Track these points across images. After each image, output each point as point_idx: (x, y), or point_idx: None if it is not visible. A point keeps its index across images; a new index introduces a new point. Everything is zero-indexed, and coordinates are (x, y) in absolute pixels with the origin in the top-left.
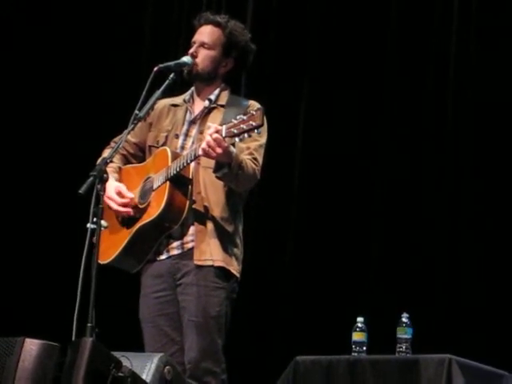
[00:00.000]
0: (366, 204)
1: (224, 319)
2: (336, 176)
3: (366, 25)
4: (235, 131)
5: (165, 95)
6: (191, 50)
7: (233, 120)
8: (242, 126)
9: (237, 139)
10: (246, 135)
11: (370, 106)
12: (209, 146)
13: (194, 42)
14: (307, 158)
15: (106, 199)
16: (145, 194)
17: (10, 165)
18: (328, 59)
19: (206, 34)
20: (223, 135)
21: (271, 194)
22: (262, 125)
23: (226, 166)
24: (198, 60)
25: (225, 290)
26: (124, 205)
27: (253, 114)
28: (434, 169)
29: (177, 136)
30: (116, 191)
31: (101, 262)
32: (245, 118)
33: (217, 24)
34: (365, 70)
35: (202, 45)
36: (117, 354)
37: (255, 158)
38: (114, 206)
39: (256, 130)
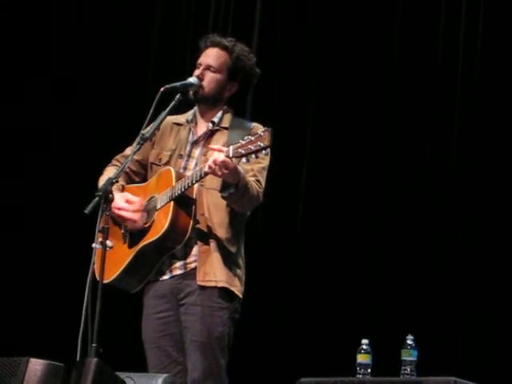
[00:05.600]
0: (369, 224)
1: (227, 339)
2: (340, 200)
3: (370, 43)
4: (242, 152)
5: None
6: (197, 73)
7: (240, 141)
8: (249, 146)
9: (244, 160)
10: (253, 156)
11: (376, 124)
12: (215, 164)
13: (200, 64)
14: (312, 180)
15: (116, 211)
16: (148, 213)
17: (15, 185)
18: (333, 79)
19: (212, 56)
20: (230, 155)
21: (274, 216)
22: (269, 146)
23: (232, 186)
24: (204, 83)
25: (228, 310)
26: (136, 210)
27: (261, 135)
28: (437, 193)
29: (181, 156)
30: (124, 200)
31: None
32: (253, 138)
33: (224, 47)
34: (370, 85)
35: (209, 68)
36: (121, 375)
37: (258, 181)
38: (127, 215)
39: (264, 151)
